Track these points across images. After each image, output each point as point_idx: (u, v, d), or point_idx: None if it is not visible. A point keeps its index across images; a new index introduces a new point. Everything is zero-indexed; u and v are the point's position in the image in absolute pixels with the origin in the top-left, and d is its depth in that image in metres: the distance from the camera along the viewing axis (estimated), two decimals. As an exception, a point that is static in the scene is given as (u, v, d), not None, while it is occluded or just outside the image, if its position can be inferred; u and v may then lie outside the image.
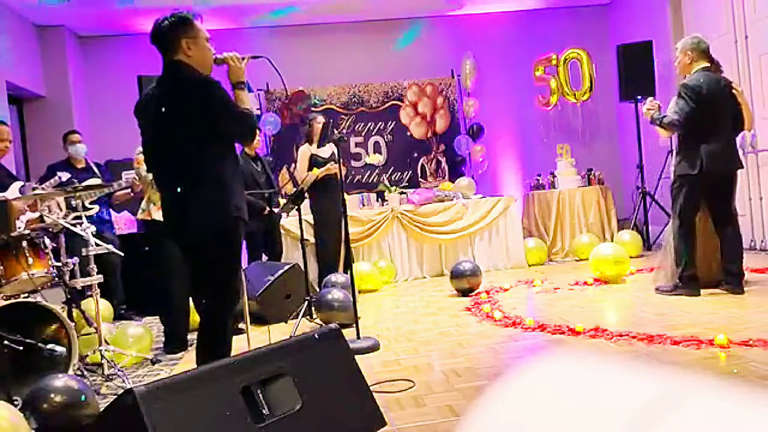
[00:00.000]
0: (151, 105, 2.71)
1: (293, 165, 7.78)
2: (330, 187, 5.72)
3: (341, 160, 4.24)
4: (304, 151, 6.02)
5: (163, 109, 2.64)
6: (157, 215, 4.14)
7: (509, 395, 0.53)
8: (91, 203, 5.35)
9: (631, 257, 5.82)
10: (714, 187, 4.46)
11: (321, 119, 6.10)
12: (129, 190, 5.34)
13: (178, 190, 2.65)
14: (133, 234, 6.52)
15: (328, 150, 5.99)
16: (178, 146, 2.65)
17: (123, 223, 6.50)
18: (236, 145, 2.86)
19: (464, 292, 5.45)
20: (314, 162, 5.90)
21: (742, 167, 4.58)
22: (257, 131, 2.82)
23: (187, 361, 3.96)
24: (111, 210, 5.87)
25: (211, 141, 2.64)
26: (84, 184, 3.83)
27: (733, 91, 4.48)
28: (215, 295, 2.72)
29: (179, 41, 2.67)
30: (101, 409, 2.73)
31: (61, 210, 4.41)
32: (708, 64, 4.49)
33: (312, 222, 6.12)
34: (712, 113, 4.36)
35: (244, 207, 2.74)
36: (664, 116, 4.47)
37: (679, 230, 4.54)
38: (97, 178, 5.50)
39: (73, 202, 4.12)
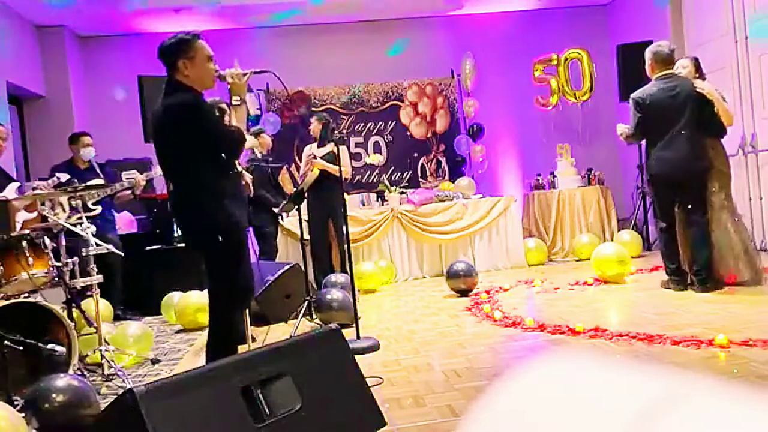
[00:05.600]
0: (154, 122, 2.97)
1: (293, 165, 7.81)
2: (317, 185, 5.67)
3: (340, 161, 4.24)
4: (306, 151, 6.17)
5: (157, 130, 2.91)
6: None
7: (509, 395, 0.53)
8: (94, 204, 5.33)
9: (631, 257, 5.81)
10: (670, 190, 4.67)
11: (315, 120, 6.17)
12: (130, 191, 5.34)
13: (175, 196, 2.93)
14: (134, 234, 6.52)
15: (326, 149, 6.01)
16: (171, 159, 2.91)
17: (123, 223, 6.49)
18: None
19: (462, 293, 5.45)
20: None
21: (705, 169, 4.55)
22: (238, 146, 2.97)
23: (187, 361, 3.96)
24: (113, 210, 5.86)
25: (198, 156, 2.84)
26: (84, 184, 3.82)
27: (698, 91, 4.51)
28: (212, 292, 2.95)
29: (177, 62, 2.85)
30: (101, 409, 2.73)
31: (64, 211, 4.39)
32: (668, 71, 4.60)
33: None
34: (660, 121, 4.54)
35: (233, 212, 2.92)
36: (627, 128, 4.76)
37: (656, 228, 4.89)
38: (100, 179, 5.48)
39: (73, 203, 4.11)
